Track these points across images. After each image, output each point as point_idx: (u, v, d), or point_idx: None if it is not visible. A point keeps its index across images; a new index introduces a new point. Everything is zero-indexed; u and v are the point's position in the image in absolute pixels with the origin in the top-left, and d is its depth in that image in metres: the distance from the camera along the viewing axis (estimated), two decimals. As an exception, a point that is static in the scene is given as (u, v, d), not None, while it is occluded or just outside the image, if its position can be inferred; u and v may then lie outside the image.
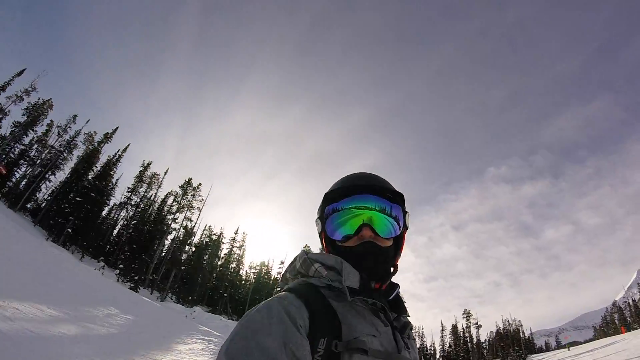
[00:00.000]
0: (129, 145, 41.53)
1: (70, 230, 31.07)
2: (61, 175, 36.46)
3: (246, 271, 55.37)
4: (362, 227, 0.88)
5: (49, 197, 35.56)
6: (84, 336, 8.08)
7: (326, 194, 0.95)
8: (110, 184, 38.59)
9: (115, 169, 39.29)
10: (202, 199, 43.11)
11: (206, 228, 50.05)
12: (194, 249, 45.44)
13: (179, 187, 42.70)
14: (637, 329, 60.99)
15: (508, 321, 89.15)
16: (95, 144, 39.22)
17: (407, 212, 0.97)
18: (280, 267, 54.69)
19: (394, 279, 0.97)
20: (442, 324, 79.37)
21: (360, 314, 0.82)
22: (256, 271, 55.74)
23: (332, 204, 0.93)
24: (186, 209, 42.15)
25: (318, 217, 0.98)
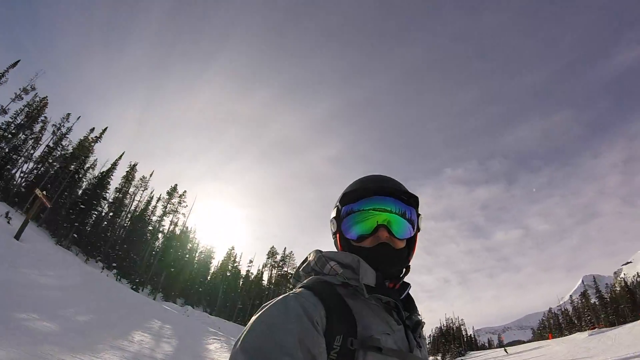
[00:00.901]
0: (123, 153, 41.63)
1: (75, 235, 33.05)
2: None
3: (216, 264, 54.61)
4: (378, 228, 0.90)
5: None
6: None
7: (343, 195, 0.97)
8: (106, 192, 39.67)
9: (111, 177, 39.82)
10: (187, 206, 45.61)
11: (189, 230, 50.25)
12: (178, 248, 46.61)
13: (167, 192, 45.24)
14: (566, 335, 64.97)
15: (452, 319, 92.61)
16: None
17: (420, 214, 0.99)
18: (249, 265, 55.80)
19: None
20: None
21: (375, 312, 0.83)
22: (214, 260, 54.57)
23: (350, 204, 0.95)
24: (172, 215, 44.84)
25: (333, 217, 0.99)
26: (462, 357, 73.89)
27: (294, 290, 0.84)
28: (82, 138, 38.84)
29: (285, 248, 58.47)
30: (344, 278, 0.85)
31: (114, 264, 35.03)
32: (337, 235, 0.98)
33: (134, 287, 32.64)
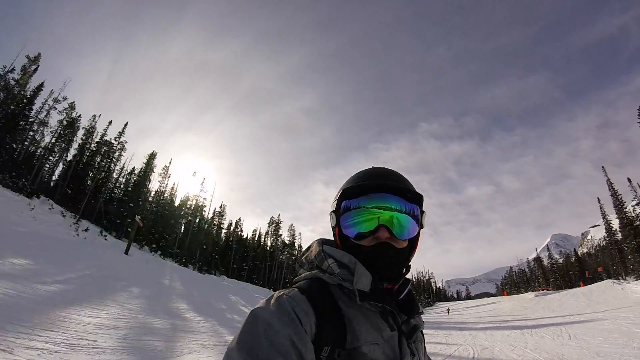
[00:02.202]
0: (154, 152, 44.77)
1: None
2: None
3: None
4: (378, 227, 0.85)
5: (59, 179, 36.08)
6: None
7: (344, 190, 0.92)
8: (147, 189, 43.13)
9: (149, 179, 43.59)
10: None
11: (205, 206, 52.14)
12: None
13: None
14: (521, 293, 72.25)
15: (422, 273, 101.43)
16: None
17: (424, 211, 0.94)
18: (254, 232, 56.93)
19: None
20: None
21: (368, 318, 0.82)
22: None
23: (349, 200, 0.90)
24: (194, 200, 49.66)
25: (333, 211, 0.95)
26: (430, 307, 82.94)
27: (289, 290, 0.82)
28: (111, 139, 39.55)
29: (279, 215, 62.46)
30: (339, 279, 0.84)
31: (162, 249, 38.40)
32: (336, 230, 0.94)
33: (183, 265, 37.03)
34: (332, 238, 0.98)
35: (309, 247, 0.98)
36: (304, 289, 0.81)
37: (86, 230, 25.70)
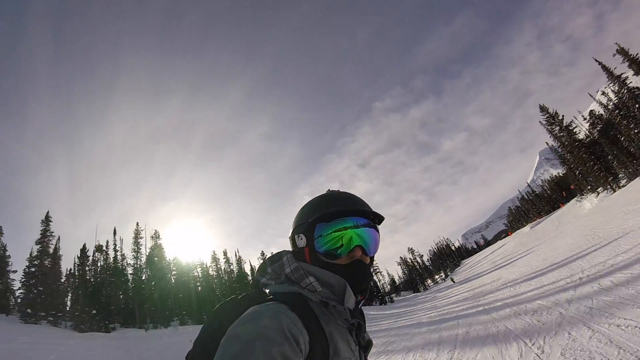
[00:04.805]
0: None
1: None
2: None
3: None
4: (354, 247, 0.94)
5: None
6: None
7: (314, 213, 0.99)
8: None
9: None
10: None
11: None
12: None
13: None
14: (521, 227, 77.05)
15: (440, 242, 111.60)
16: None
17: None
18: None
19: None
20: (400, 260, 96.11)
21: (342, 334, 0.89)
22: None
23: (323, 223, 0.97)
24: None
25: (302, 233, 1.00)
26: (458, 267, 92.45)
27: (274, 305, 0.83)
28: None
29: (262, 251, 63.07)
30: (322, 297, 0.89)
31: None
32: (306, 249, 0.98)
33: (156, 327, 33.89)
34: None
35: (275, 258, 1.02)
36: (293, 307, 0.83)
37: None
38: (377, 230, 1.02)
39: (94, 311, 31.58)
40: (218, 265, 52.17)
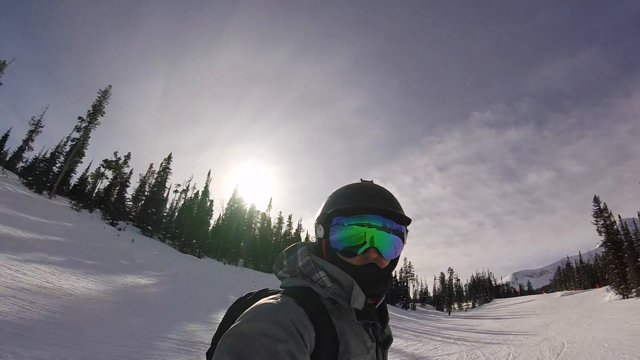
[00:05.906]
0: (171, 154, 49.92)
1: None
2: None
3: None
4: (369, 249, 0.88)
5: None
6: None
7: (335, 205, 0.93)
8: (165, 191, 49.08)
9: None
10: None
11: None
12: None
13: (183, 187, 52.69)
14: (562, 290, 79.32)
15: (482, 273, 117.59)
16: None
17: (407, 230, 0.97)
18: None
19: None
20: (439, 275, 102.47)
21: (355, 330, 0.86)
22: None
23: (341, 217, 0.91)
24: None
25: (321, 223, 0.95)
26: (487, 303, 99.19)
27: (281, 297, 0.82)
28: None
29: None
30: (332, 293, 0.86)
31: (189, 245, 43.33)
32: (323, 241, 0.94)
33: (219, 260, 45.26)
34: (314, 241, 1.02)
35: (292, 250, 0.98)
36: (300, 301, 0.81)
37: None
38: (402, 233, 0.94)
39: (194, 240, 43.83)
40: (281, 225, 60.84)
